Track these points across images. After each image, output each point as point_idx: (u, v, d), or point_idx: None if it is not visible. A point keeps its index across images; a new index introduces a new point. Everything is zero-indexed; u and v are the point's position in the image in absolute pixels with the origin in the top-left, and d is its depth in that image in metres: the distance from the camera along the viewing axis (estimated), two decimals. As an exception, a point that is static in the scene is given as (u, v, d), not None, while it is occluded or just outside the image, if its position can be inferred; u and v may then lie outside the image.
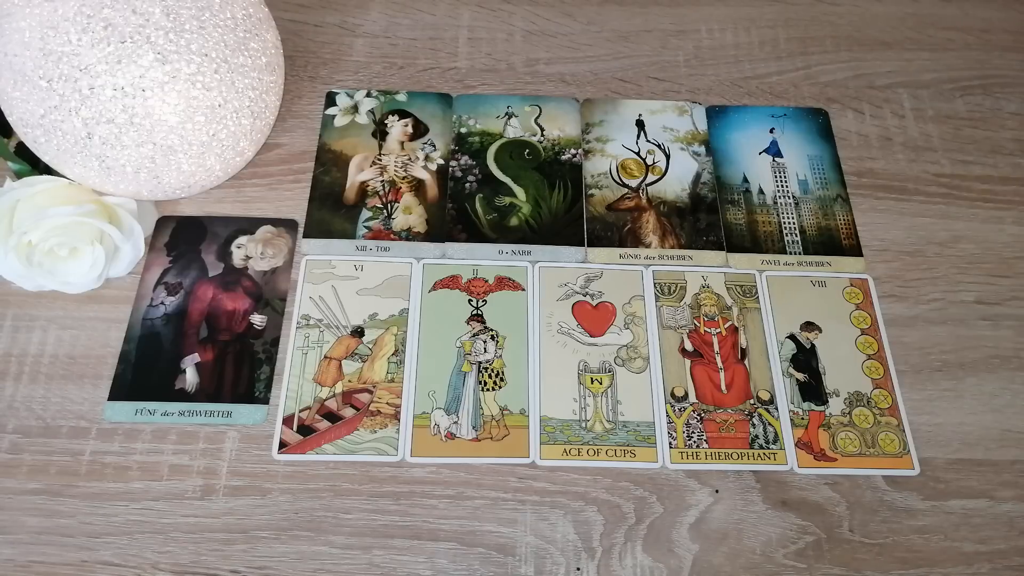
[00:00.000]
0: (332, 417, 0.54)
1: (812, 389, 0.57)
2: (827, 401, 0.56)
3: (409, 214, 0.62)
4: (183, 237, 0.61)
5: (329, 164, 0.64)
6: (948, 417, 0.56)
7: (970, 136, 0.70)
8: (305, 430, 0.53)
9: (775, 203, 0.65)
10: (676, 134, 0.68)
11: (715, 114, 0.69)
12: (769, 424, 0.55)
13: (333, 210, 0.62)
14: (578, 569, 0.50)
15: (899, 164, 0.68)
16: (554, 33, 0.74)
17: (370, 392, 0.55)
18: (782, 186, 0.66)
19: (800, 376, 0.57)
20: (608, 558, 0.51)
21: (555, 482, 0.53)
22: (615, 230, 0.63)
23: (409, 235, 0.61)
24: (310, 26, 0.73)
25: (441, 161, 0.65)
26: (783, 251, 0.62)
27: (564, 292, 0.60)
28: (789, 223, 0.64)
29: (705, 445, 0.54)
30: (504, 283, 0.60)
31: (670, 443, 0.54)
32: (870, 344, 0.59)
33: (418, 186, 0.64)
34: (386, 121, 0.67)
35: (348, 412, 0.54)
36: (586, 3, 0.76)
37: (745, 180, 0.66)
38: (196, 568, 0.49)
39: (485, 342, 0.57)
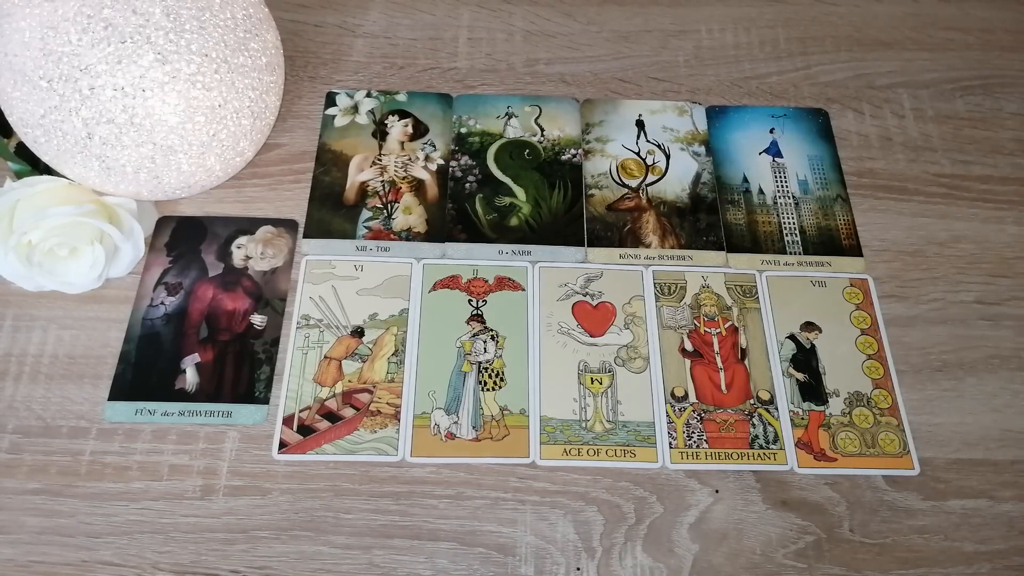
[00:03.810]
0: (332, 417, 0.54)
1: (812, 389, 0.57)
2: (827, 401, 0.56)
3: (409, 214, 0.62)
4: (183, 237, 0.61)
5: (329, 164, 0.64)
6: (948, 417, 0.56)
7: (970, 136, 0.70)
8: (305, 430, 0.53)
9: (775, 203, 0.65)
10: (676, 134, 0.68)
11: (715, 114, 0.69)
12: (769, 424, 0.55)
13: (333, 210, 0.62)
14: (578, 569, 0.50)
15: (899, 164, 0.68)
16: (554, 33, 0.74)
17: (370, 392, 0.55)
18: (782, 186, 0.66)
19: (800, 376, 0.57)
20: (608, 558, 0.51)
21: (555, 482, 0.53)
22: (615, 230, 0.63)
23: (409, 235, 0.61)
24: (310, 26, 0.73)
25: (441, 161, 0.65)
26: (783, 251, 0.62)
27: (564, 292, 0.60)
28: (789, 223, 0.64)
29: (705, 445, 0.54)
30: (504, 283, 0.60)
31: (670, 443, 0.54)
32: (870, 344, 0.59)
33: (418, 186, 0.64)
34: (386, 121, 0.67)
35: (348, 412, 0.54)
36: (586, 3, 0.76)
37: (745, 180, 0.66)
38: (196, 568, 0.49)
39: (485, 342, 0.57)
